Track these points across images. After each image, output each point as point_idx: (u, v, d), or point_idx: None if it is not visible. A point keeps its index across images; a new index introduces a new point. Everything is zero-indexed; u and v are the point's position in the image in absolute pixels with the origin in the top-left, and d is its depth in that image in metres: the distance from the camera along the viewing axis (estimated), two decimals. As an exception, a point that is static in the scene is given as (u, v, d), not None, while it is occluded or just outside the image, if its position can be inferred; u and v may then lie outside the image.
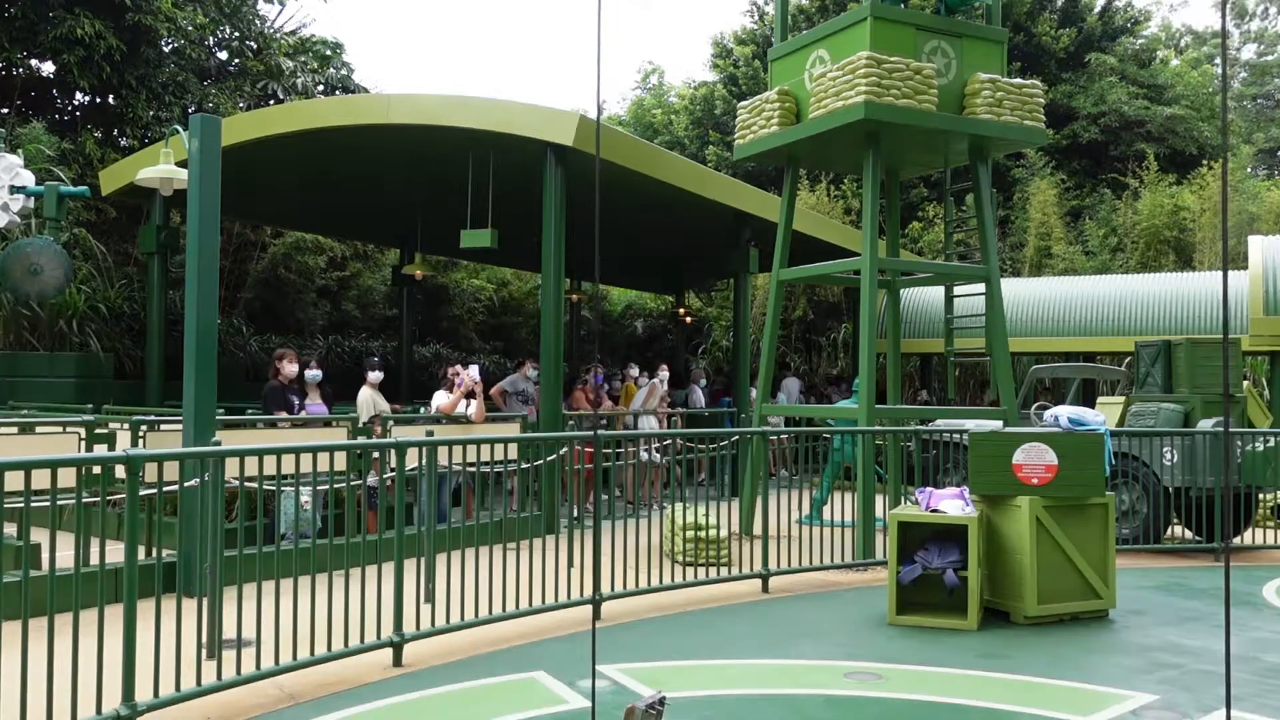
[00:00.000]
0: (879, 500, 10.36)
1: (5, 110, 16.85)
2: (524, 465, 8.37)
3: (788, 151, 10.14)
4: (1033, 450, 6.87)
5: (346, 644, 5.35)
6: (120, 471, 4.99)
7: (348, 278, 22.18)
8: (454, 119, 10.47)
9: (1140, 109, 26.27)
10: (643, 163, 11.34)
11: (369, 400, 9.92)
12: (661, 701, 3.27)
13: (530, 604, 6.40)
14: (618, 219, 14.82)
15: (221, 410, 8.31)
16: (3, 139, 9.31)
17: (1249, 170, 27.65)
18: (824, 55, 9.67)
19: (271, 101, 19.09)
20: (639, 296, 28.65)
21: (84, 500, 5.92)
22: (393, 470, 5.91)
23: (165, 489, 6.61)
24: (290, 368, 9.14)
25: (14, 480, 4.11)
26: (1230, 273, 16.34)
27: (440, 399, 10.29)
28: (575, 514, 8.31)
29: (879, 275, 9.70)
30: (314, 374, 9.63)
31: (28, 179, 8.41)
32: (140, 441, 7.49)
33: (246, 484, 6.79)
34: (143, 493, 4.73)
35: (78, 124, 17.18)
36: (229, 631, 5.13)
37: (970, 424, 8.51)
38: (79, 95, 17.72)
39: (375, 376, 10.13)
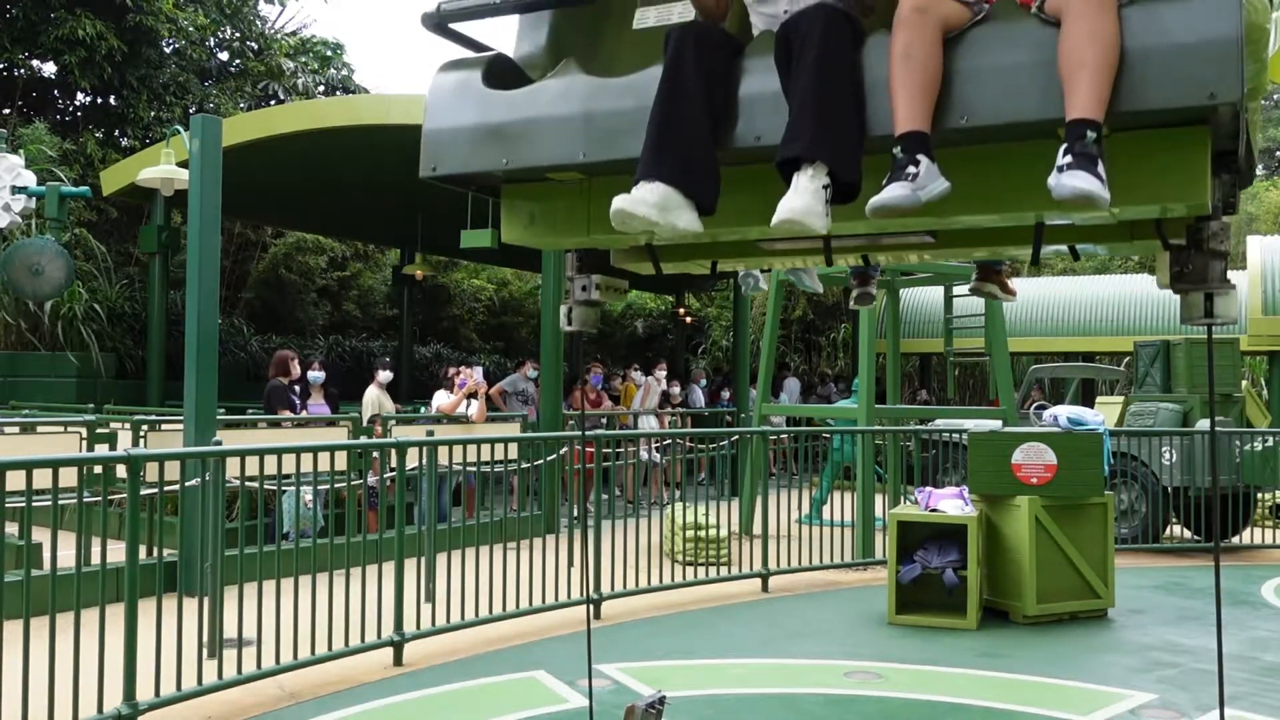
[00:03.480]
0: (878, 500, 10.36)
1: (7, 111, 16.87)
2: (524, 465, 8.38)
3: (788, 152, 10.12)
4: (1032, 450, 6.87)
5: (347, 643, 5.36)
6: (121, 471, 5.00)
7: (348, 278, 22.20)
8: (454, 119, 10.46)
9: (1140, 109, 26.23)
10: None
11: (374, 399, 9.93)
12: (661, 701, 3.28)
13: (530, 604, 6.41)
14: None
15: (222, 410, 8.32)
16: (4, 139, 9.32)
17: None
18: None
19: (272, 102, 19.10)
20: (639, 296, 28.59)
21: (85, 500, 5.95)
22: (393, 470, 5.92)
23: (166, 489, 6.61)
24: (292, 369, 9.18)
25: (15, 480, 4.12)
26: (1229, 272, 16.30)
27: (441, 399, 10.31)
28: (575, 514, 8.32)
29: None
30: (316, 375, 9.65)
31: (29, 179, 8.43)
32: (141, 441, 7.51)
33: (247, 484, 6.80)
34: (144, 492, 4.74)
35: (79, 124, 17.19)
36: (230, 631, 5.14)
37: (970, 424, 8.51)
38: (80, 96, 17.74)
39: (384, 376, 10.13)
